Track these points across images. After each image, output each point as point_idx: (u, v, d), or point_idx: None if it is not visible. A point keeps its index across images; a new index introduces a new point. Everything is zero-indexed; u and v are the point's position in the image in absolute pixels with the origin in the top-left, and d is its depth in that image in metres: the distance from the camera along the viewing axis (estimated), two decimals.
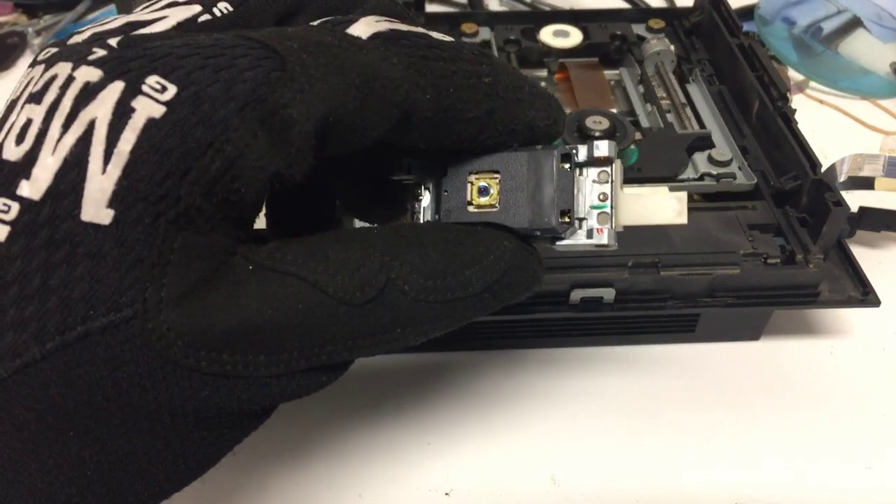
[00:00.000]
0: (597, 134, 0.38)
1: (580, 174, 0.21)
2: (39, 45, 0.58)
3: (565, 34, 0.48)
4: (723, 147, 0.39)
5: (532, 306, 0.33)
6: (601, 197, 0.21)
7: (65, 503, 0.18)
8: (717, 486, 0.31)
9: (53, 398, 0.17)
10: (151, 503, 0.20)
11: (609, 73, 0.47)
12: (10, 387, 0.17)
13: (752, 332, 0.37)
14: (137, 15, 0.21)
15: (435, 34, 0.21)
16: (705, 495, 0.31)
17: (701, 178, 0.38)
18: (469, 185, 0.22)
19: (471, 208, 0.22)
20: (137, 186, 0.17)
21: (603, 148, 0.21)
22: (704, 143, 0.40)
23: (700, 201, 0.38)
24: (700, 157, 0.39)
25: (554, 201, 0.21)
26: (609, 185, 0.21)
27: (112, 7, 0.61)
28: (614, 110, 0.44)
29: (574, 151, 0.21)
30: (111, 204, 0.16)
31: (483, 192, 0.22)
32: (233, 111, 0.17)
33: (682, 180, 0.38)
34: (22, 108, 0.18)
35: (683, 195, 0.22)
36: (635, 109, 0.44)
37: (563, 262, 0.33)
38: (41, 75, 0.18)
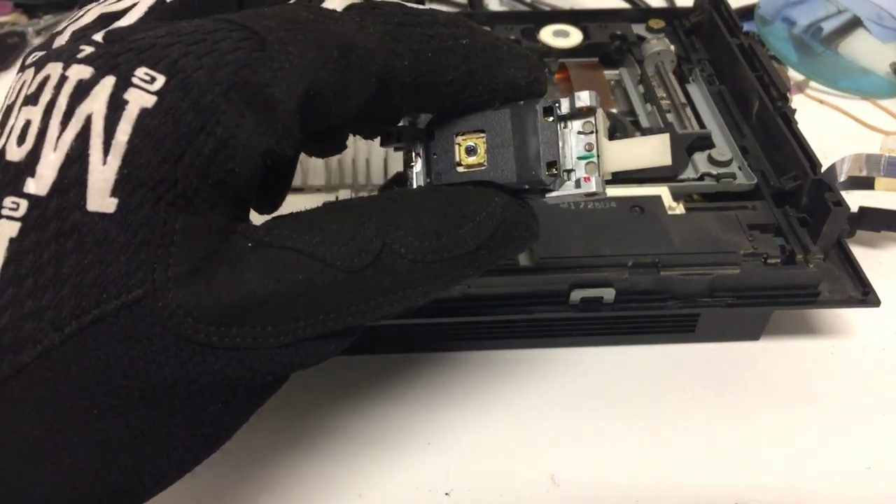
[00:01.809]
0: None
1: (564, 127, 0.22)
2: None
3: (565, 34, 0.48)
4: (723, 147, 0.39)
5: (532, 306, 0.33)
6: (587, 147, 0.22)
7: (91, 478, 0.19)
8: (717, 486, 0.31)
9: (75, 379, 0.18)
10: (174, 476, 0.20)
11: (609, 73, 0.47)
12: (33, 371, 0.18)
13: (752, 332, 0.37)
14: (108, 5, 0.21)
15: (410, 3, 0.21)
16: (705, 495, 0.31)
17: (701, 178, 0.38)
18: (456, 146, 0.22)
19: (460, 168, 0.22)
20: (137, 174, 0.17)
21: (585, 98, 0.21)
22: (704, 143, 0.40)
23: (700, 201, 0.38)
24: (700, 157, 0.39)
25: (540, 154, 0.21)
26: (594, 134, 0.22)
27: None
28: (614, 110, 0.44)
29: (556, 105, 0.22)
30: (114, 192, 0.17)
31: (470, 151, 0.22)
32: (219, 94, 0.18)
33: (682, 180, 0.38)
34: (20, 110, 0.18)
35: (666, 136, 0.22)
36: (635, 109, 0.44)
37: (563, 262, 0.33)
38: (33, 78, 0.19)
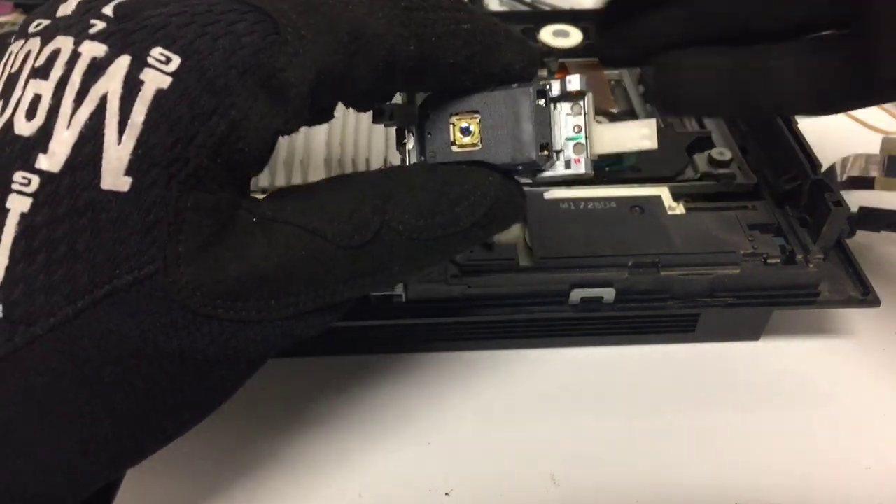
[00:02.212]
0: None
1: (555, 108, 0.23)
2: None
3: (565, 34, 0.48)
4: (723, 147, 0.39)
5: (532, 306, 0.33)
6: (576, 129, 0.23)
7: (101, 442, 0.19)
8: (717, 486, 0.31)
9: (87, 351, 0.18)
10: (174, 436, 0.21)
11: (609, 73, 0.47)
12: (45, 343, 0.18)
13: (752, 332, 0.37)
14: None
15: None
16: (705, 495, 0.31)
17: (701, 178, 0.38)
18: (451, 126, 0.23)
19: (454, 148, 0.23)
20: (151, 154, 0.18)
21: (575, 82, 0.22)
22: (704, 143, 0.40)
23: (700, 201, 0.38)
24: (700, 157, 0.39)
25: (533, 136, 0.22)
26: (583, 116, 0.23)
27: None
28: (614, 110, 0.44)
29: (548, 87, 0.23)
30: (128, 172, 0.18)
31: (465, 132, 0.23)
32: (234, 78, 0.18)
33: (682, 180, 0.38)
34: (27, 82, 0.19)
35: (653, 121, 0.23)
36: (635, 109, 0.44)
37: (563, 262, 0.33)
38: (41, 49, 0.19)
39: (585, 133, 0.23)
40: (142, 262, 0.18)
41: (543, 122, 0.22)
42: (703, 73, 0.28)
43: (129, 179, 0.18)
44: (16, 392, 0.18)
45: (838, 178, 0.39)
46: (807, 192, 0.35)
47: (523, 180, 0.24)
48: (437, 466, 0.32)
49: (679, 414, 0.34)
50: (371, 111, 0.24)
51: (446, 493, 0.31)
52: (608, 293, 0.33)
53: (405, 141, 0.24)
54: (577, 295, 0.33)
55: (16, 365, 0.18)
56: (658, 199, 0.36)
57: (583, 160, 0.23)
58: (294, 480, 0.32)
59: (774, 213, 0.36)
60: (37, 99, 0.18)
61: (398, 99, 0.25)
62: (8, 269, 0.18)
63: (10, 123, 0.18)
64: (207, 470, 0.32)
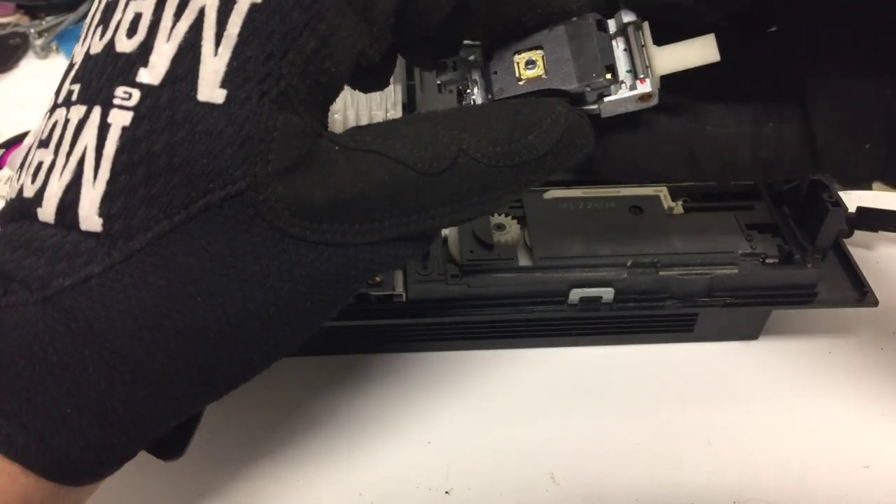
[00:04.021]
0: None
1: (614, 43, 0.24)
2: (41, 46, 0.58)
3: None
4: None
5: (531, 306, 0.33)
6: (635, 59, 0.24)
7: (193, 362, 0.20)
8: (716, 485, 0.32)
9: (182, 266, 0.19)
10: (260, 367, 0.22)
11: None
12: (144, 257, 0.19)
13: (750, 332, 0.37)
14: None
15: None
16: (704, 494, 0.31)
17: None
18: (515, 64, 0.24)
19: (521, 83, 0.24)
20: (245, 66, 0.18)
21: (630, 15, 0.23)
22: None
23: (698, 201, 0.38)
24: None
25: (598, 58, 0.23)
26: (639, 46, 0.23)
27: None
28: None
29: (606, 22, 0.24)
30: (224, 84, 0.18)
31: (530, 64, 0.24)
32: None
33: (682, 180, 0.38)
34: (127, 4, 0.19)
35: (711, 35, 0.24)
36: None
37: (562, 262, 0.33)
38: None
39: (647, 57, 0.23)
40: (234, 176, 0.18)
41: (607, 47, 0.23)
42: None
43: (223, 91, 0.18)
44: (112, 307, 0.19)
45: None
46: (805, 193, 0.35)
47: (590, 108, 0.24)
48: (437, 465, 0.32)
49: (678, 413, 0.34)
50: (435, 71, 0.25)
51: (446, 492, 0.31)
52: (607, 293, 0.33)
53: (469, 91, 0.25)
54: (576, 295, 0.33)
55: (113, 280, 0.19)
56: (657, 199, 0.36)
57: (648, 80, 0.23)
58: (294, 479, 0.32)
59: (773, 213, 0.36)
60: (137, 17, 0.19)
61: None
62: (109, 183, 0.18)
63: (111, 43, 0.19)
64: (208, 469, 0.32)
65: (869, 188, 0.39)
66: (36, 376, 0.19)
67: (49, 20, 0.60)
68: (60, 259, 0.19)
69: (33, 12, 0.61)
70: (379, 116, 0.37)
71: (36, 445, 0.19)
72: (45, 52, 0.58)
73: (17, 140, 0.50)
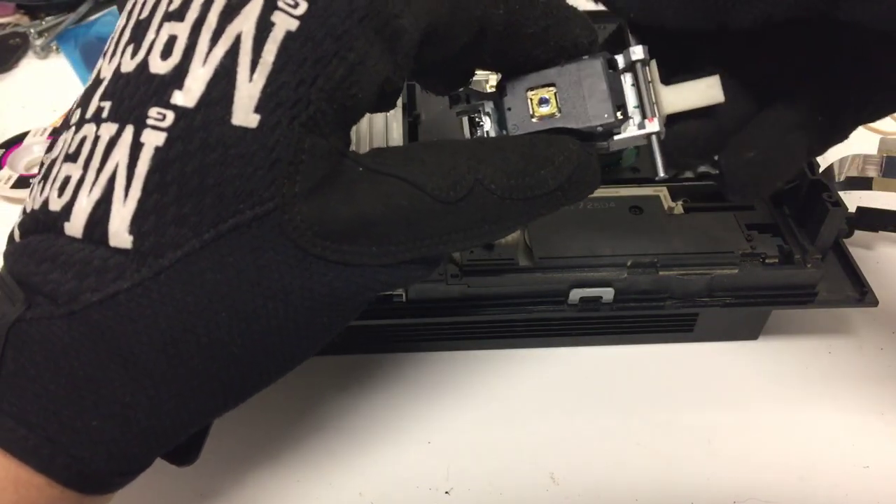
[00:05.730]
0: None
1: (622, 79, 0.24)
2: (41, 46, 0.58)
3: None
4: None
5: (531, 306, 0.33)
6: (642, 95, 0.24)
7: (214, 377, 0.21)
8: (716, 484, 0.32)
9: (209, 283, 0.19)
10: (274, 378, 0.22)
11: None
12: (172, 274, 0.19)
13: (750, 332, 0.37)
14: None
15: None
16: (704, 494, 0.31)
17: (700, 178, 0.38)
18: (529, 100, 0.25)
19: (534, 119, 0.25)
20: (278, 93, 0.19)
21: (638, 52, 0.24)
22: None
23: (698, 201, 0.38)
24: None
25: (609, 98, 0.24)
26: (647, 83, 0.24)
27: (113, 8, 0.61)
28: None
29: (615, 59, 0.24)
30: (257, 109, 0.19)
31: (543, 103, 0.24)
32: (354, 23, 0.19)
33: (682, 180, 0.38)
34: (161, 25, 0.20)
35: (716, 77, 0.25)
36: None
37: (563, 262, 0.33)
38: None
39: (653, 96, 0.24)
40: (263, 198, 0.19)
41: (617, 87, 0.24)
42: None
43: (257, 117, 0.19)
44: (139, 322, 0.19)
45: (836, 179, 0.39)
46: (805, 193, 0.35)
47: (599, 145, 0.25)
48: (437, 465, 0.32)
49: (677, 413, 0.34)
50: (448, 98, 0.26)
51: (446, 492, 0.31)
52: (607, 293, 0.33)
53: (481, 122, 0.26)
54: (576, 295, 0.33)
55: (141, 296, 0.19)
56: (657, 199, 0.36)
57: (656, 119, 0.24)
58: (295, 479, 0.32)
59: (773, 213, 0.36)
60: (172, 40, 0.19)
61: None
62: (140, 201, 0.19)
63: (144, 63, 0.19)
64: (208, 469, 0.32)
65: (868, 188, 0.39)
66: (62, 389, 0.19)
67: (49, 20, 0.60)
68: (88, 274, 0.19)
69: (33, 12, 0.61)
70: (379, 117, 0.37)
71: (62, 457, 0.19)
72: (45, 52, 0.59)
73: (17, 140, 0.50)
